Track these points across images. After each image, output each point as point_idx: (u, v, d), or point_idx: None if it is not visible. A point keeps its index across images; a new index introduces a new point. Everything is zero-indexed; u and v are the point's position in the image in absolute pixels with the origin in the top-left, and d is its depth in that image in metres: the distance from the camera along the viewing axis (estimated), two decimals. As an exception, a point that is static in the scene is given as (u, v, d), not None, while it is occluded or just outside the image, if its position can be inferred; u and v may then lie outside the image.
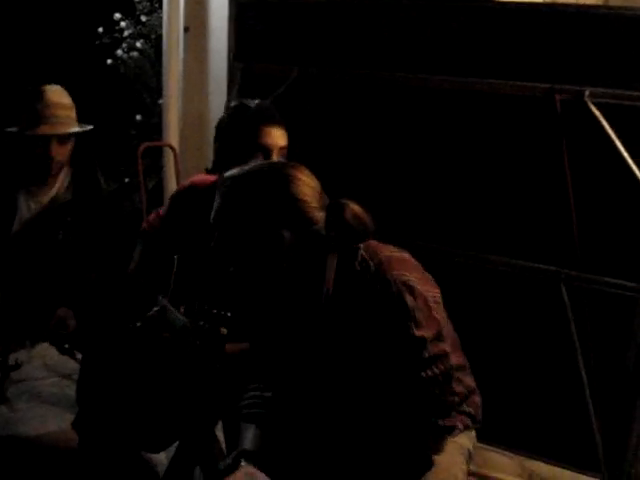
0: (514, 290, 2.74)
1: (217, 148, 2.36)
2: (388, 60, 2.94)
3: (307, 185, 1.71)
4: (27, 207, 2.83)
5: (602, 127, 2.49)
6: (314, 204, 1.69)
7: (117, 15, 4.83)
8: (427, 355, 1.64)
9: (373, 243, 1.76)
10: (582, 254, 2.58)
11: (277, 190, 1.68)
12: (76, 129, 2.78)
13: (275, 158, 2.23)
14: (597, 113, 2.50)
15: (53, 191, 2.84)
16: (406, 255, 1.77)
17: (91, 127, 2.87)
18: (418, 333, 1.63)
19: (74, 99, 2.86)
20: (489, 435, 2.29)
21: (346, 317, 1.70)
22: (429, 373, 1.65)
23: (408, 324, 1.63)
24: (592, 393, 2.58)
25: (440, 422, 1.71)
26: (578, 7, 2.73)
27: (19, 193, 2.82)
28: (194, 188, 2.45)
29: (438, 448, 1.74)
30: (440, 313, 1.71)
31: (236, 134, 2.26)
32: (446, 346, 1.70)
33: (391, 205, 2.86)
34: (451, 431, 1.76)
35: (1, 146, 2.84)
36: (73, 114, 2.79)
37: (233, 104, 2.39)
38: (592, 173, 2.56)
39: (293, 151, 2.34)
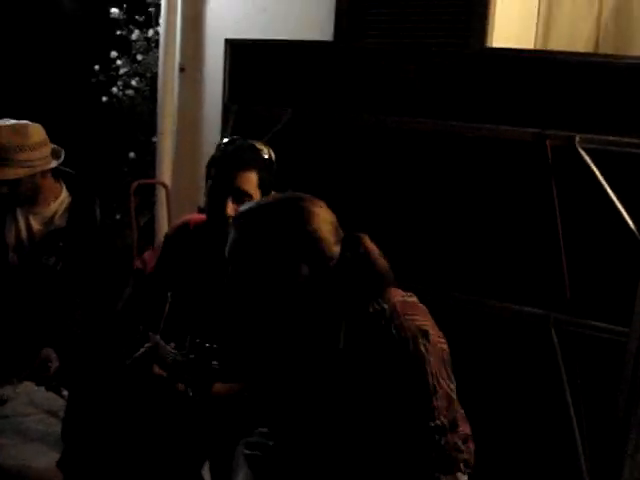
0: (505, 333, 2.74)
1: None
2: (379, 103, 2.98)
3: (324, 220, 1.70)
4: (19, 226, 2.82)
5: (592, 172, 2.52)
6: (331, 239, 1.69)
7: (113, 53, 4.88)
8: (436, 404, 1.63)
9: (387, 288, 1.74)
10: (572, 298, 2.59)
11: (295, 225, 1.67)
12: (6, 175, 2.67)
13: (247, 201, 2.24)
14: (587, 159, 2.53)
15: (47, 215, 2.84)
16: (416, 299, 1.76)
17: (53, 165, 2.79)
18: (431, 381, 1.62)
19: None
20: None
21: (358, 359, 1.67)
22: (437, 422, 1.63)
23: (423, 370, 1.62)
24: (582, 436, 2.57)
25: (443, 478, 1.67)
26: (568, 54, 2.77)
27: (12, 212, 2.82)
28: (187, 227, 2.46)
29: None
30: (449, 364, 1.71)
31: (212, 177, 2.29)
32: (453, 394, 1.69)
33: (382, 248, 2.87)
34: None
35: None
36: (20, 155, 2.68)
37: (219, 143, 2.41)
38: (582, 217, 2.58)
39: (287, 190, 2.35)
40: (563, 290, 2.60)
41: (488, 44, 3.31)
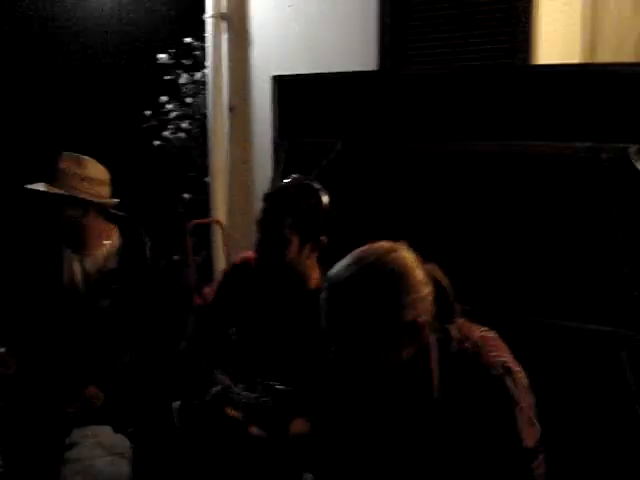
0: (570, 353, 2.68)
1: None
2: (429, 128, 2.96)
3: (419, 266, 1.64)
4: (73, 268, 2.87)
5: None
6: (428, 282, 1.63)
7: (163, 98, 4.98)
8: (526, 443, 1.61)
9: (461, 322, 1.70)
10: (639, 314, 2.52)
11: (402, 287, 1.59)
12: (61, 192, 2.75)
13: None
14: (643, 170, 2.48)
15: (99, 258, 2.89)
16: (494, 334, 1.73)
17: (110, 201, 2.89)
18: (520, 418, 1.59)
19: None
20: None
21: (447, 402, 1.63)
22: (534, 464, 1.62)
23: (512, 409, 1.59)
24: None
25: None
26: (619, 65, 2.73)
27: (66, 250, 2.88)
28: (247, 264, 2.47)
29: None
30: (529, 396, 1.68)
31: (264, 224, 2.30)
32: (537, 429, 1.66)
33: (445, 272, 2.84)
34: None
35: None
36: (77, 183, 2.78)
37: (270, 188, 2.42)
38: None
39: (341, 223, 2.35)
40: (629, 306, 2.53)
41: (533, 61, 3.28)
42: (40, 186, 2.76)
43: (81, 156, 2.86)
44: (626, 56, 3.47)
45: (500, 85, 2.78)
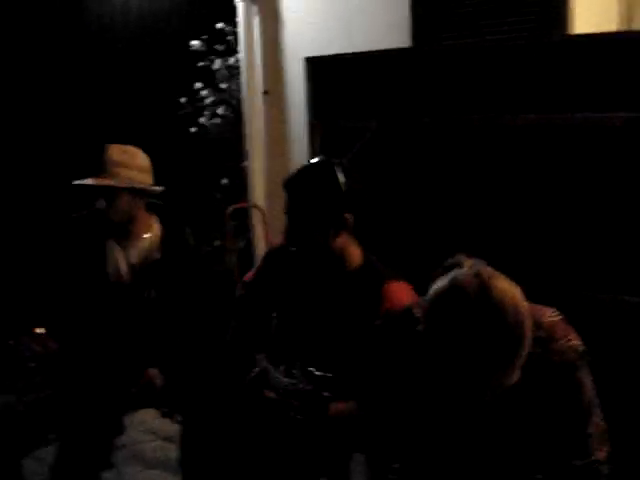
0: (623, 327, 2.63)
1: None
2: (466, 103, 2.93)
3: (514, 305, 1.49)
4: (117, 260, 2.90)
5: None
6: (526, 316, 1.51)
7: (198, 84, 4.99)
8: (591, 431, 1.61)
9: (528, 306, 1.61)
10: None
11: (493, 323, 1.46)
12: (106, 182, 2.78)
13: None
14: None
15: (143, 248, 2.91)
16: (562, 317, 1.69)
17: (158, 189, 2.92)
18: (587, 408, 1.60)
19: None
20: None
21: (521, 390, 1.57)
22: (601, 455, 1.61)
23: (581, 390, 1.60)
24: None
25: None
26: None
27: (109, 242, 2.91)
28: (285, 248, 2.47)
29: None
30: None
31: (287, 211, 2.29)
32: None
33: (494, 249, 2.81)
34: None
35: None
36: (125, 171, 2.82)
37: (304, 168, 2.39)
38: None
39: (376, 204, 2.33)
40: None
41: (569, 32, 3.22)
42: (89, 181, 2.79)
43: (127, 146, 2.89)
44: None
45: (537, 57, 2.73)
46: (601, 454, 1.61)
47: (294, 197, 2.26)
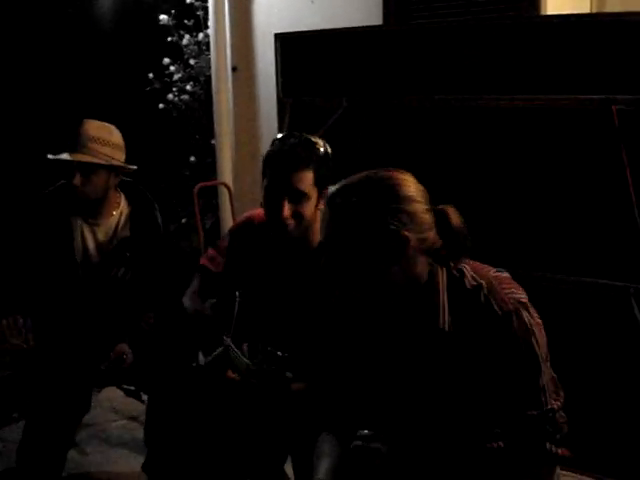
0: (582, 308, 2.66)
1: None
2: (436, 83, 2.92)
3: (416, 188, 1.66)
4: (87, 242, 2.86)
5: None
6: (425, 205, 1.65)
7: (166, 60, 4.92)
8: (543, 381, 1.62)
9: (473, 263, 1.71)
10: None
11: (389, 194, 1.62)
12: (86, 159, 2.73)
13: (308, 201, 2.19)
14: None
15: (111, 226, 2.87)
16: (508, 275, 1.72)
17: (133, 167, 2.87)
18: (538, 351, 1.61)
19: (128, 145, 2.89)
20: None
21: (463, 337, 1.64)
22: (555, 404, 1.62)
23: (530, 341, 1.60)
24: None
25: (554, 449, 1.63)
26: (630, 15, 2.66)
27: (75, 220, 2.86)
28: (250, 223, 2.44)
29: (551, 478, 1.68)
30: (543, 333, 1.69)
31: (268, 177, 2.23)
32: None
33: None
34: (563, 461, 1.67)
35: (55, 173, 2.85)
36: (105, 149, 2.77)
37: (274, 139, 2.35)
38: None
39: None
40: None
41: (541, 12, 3.21)
42: (66, 156, 2.73)
43: (103, 122, 2.84)
44: (636, 5, 3.39)
45: (510, 38, 2.72)
46: (556, 403, 1.63)
47: (286, 170, 2.21)
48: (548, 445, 1.61)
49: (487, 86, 2.79)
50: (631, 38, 2.48)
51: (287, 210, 2.17)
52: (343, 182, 1.69)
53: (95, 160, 2.73)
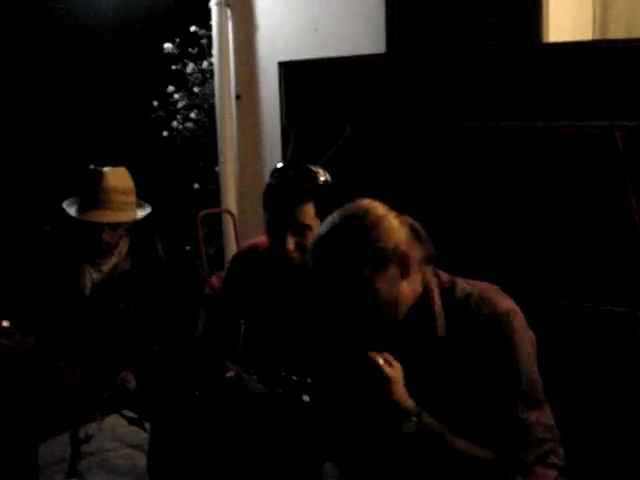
0: (587, 334, 2.64)
1: None
2: (439, 110, 2.92)
3: (383, 210, 1.74)
4: (90, 277, 2.84)
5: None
6: (397, 221, 1.74)
7: (170, 88, 4.95)
8: (523, 387, 1.67)
9: (465, 279, 1.80)
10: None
11: (365, 246, 1.69)
12: (128, 216, 2.74)
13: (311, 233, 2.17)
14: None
15: (113, 260, 2.85)
16: (497, 286, 1.80)
17: (149, 210, 2.85)
18: (520, 357, 1.66)
19: (132, 172, 2.87)
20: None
21: (456, 343, 1.70)
22: (532, 416, 1.66)
23: (514, 345, 1.66)
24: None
25: (528, 459, 1.66)
26: (633, 41, 2.68)
27: (84, 264, 2.84)
28: (254, 250, 2.44)
29: None
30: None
31: (270, 210, 2.24)
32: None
33: (457, 252, 2.81)
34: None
35: (64, 221, 2.84)
36: (130, 198, 2.76)
37: (273, 169, 2.35)
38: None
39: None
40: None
41: (543, 40, 3.23)
42: (100, 217, 2.68)
43: (116, 168, 2.79)
44: (639, 31, 3.41)
45: (511, 65, 2.73)
46: (532, 416, 1.66)
47: (289, 200, 2.21)
48: (523, 454, 1.64)
49: (489, 113, 2.80)
50: (634, 64, 2.49)
51: (291, 244, 2.17)
52: (320, 235, 1.76)
53: (128, 219, 2.73)
